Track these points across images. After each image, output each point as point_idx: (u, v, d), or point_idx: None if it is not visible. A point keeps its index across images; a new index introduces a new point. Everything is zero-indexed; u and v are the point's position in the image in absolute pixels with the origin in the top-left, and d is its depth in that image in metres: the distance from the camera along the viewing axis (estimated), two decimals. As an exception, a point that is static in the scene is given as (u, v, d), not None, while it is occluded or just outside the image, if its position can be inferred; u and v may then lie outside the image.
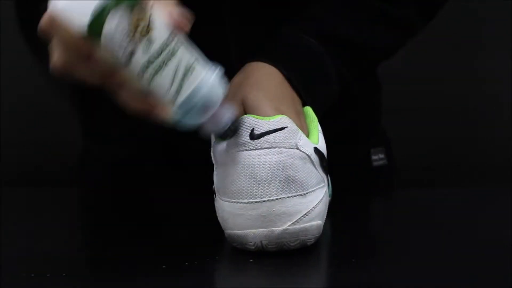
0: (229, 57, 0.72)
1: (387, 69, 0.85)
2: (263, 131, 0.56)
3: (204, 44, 0.56)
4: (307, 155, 0.56)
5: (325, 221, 0.58)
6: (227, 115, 0.56)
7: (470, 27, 1.24)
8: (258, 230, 0.55)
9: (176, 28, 0.53)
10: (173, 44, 0.52)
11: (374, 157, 0.87)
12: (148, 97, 0.53)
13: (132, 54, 0.51)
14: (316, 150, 0.57)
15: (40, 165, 1.20)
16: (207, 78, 0.54)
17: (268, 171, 0.55)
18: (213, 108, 0.55)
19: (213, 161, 0.59)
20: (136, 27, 0.51)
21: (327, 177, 0.60)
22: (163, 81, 0.53)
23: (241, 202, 0.55)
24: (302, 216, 0.55)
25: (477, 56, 1.24)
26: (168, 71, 0.52)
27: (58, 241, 0.62)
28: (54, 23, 0.51)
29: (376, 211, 0.78)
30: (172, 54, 0.52)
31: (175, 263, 0.55)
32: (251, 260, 0.55)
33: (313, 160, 0.56)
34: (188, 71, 0.53)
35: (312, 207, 0.56)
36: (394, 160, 0.91)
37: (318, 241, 0.57)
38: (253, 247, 0.56)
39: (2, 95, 1.20)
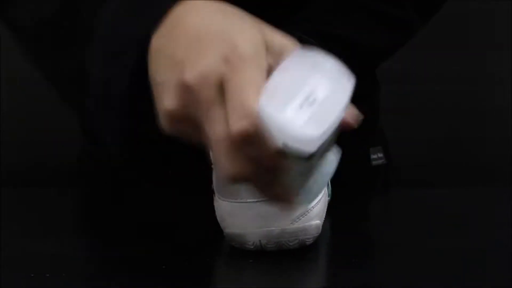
0: None
1: (388, 69, 0.85)
2: None
3: None
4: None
5: (324, 220, 0.58)
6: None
7: (471, 27, 1.24)
8: (257, 229, 0.55)
9: (344, 129, 0.48)
10: (329, 149, 0.48)
11: (373, 156, 0.87)
12: (285, 193, 0.48)
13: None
14: None
15: (40, 165, 1.21)
16: (333, 165, 0.50)
17: None
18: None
19: (212, 161, 0.59)
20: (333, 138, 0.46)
21: None
22: (305, 183, 0.48)
23: (240, 202, 0.55)
24: (301, 215, 0.55)
25: (477, 56, 1.24)
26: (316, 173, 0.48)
27: (57, 241, 0.62)
28: (257, 134, 0.43)
29: (375, 211, 0.78)
30: (326, 158, 0.48)
31: (175, 263, 0.55)
32: (251, 260, 0.55)
33: None
34: (323, 168, 0.49)
35: (311, 206, 0.56)
36: (392, 160, 0.91)
37: (317, 240, 0.57)
38: (252, 247, 0.56)
39: (2, 95, 1.20)
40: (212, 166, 0.58)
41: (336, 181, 0.68)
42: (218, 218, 0.58)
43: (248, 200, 0.55)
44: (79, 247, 0.62)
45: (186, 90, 0.44)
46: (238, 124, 0.43)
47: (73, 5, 0.55)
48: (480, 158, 1.25)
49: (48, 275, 0.52)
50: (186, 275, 0.53)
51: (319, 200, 0.56)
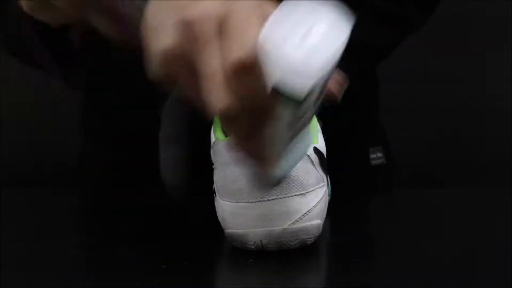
0: None
1: (388, 68, 0.85)
2: None
3: None
4: (307, 155, 0.56)
5: (325, 220, 0.58)
6: None
7: (471, 27, 1.24)
8: (258, 229, 0.55)
9: (332, 95, 0.50)
10: (314, 109, 0.49)
11: (373, 156, 0.87)
12: (266, 148, 0.49)
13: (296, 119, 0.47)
14: (316, 149, 0.57)
15: (40, 165, 1.21)
16: (310, 141, 0.52)
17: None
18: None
19: (213, 161, 0.59)
20: (320, 95, 0.47)
21: (327, 177, 0.60)
22: (288, 140, 0.49)
23: (242, 202, 0.55)
24: (302, 215, 0.55)
25: (477, 56, 1.24)
26: (299, 133, 0.50)
27: (57, 241, 0.62)
28: (253, 66, 0.43)
29: (376, 211, 0.78)
30: (310, 118, 0.50)
31: (175, 263, 0.55)
32: (251, 260, 0.55)
33: (313, 159, 0.57)
34: (304, 134, 0.51)
35: (311, 206, 0.56)
36: (393, 159, 0.91)
37: (317, 240, 0.57)
38: (253, 246, 0.56)
39: (2, 95, 1.20)
40: (214, 166, 0.58)
41: (336, 180, 0.68)
42: (219, 218, 0.58)
43: (250, 201, 0.55)
44: (79, 247, 0.62)
45: (186, 27, 0.45)
46: (236, 54, 0.43)
47: None
48: (480, 158, 1.25)
49: (48, 275, 0.52)
50: (186, 275, 0.53)
51: (319, 200, 0.56)
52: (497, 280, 0.51)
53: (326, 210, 0.58)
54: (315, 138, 0.59)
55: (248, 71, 0.43)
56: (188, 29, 0.45)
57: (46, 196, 0.82)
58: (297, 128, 0.49)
